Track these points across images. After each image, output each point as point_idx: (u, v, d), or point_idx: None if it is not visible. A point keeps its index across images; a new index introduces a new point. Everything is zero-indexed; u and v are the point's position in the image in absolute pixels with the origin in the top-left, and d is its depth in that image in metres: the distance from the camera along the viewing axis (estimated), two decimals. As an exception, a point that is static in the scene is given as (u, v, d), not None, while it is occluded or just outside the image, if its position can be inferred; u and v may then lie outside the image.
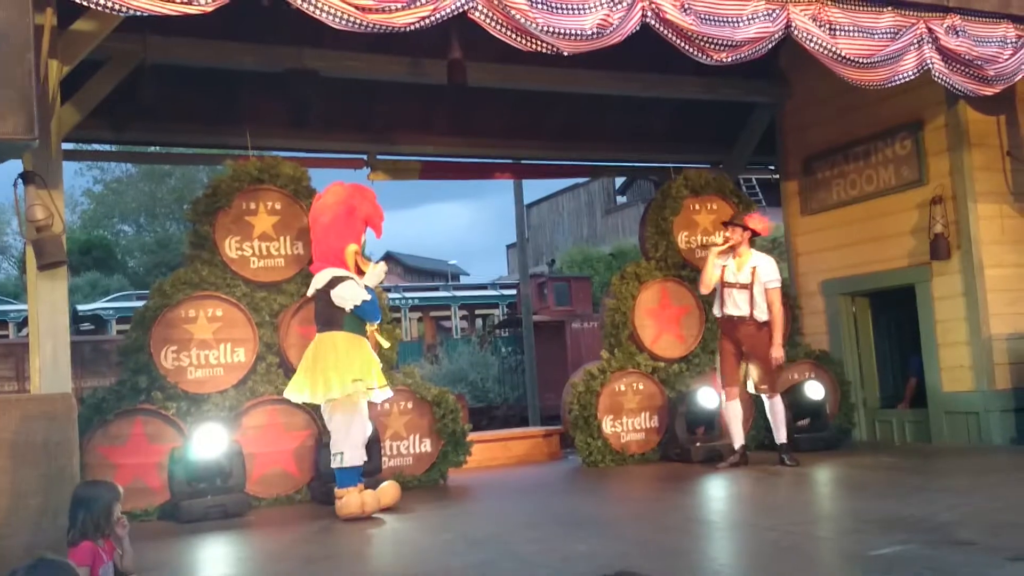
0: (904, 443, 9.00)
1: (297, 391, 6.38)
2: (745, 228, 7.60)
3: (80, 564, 3.65)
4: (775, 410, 7.59)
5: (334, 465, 6.29)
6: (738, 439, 7.61)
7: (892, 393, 9.54)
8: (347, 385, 6.20)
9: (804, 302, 9.77)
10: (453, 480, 7.86)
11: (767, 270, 7.56)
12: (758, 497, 6.50)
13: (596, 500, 6.90)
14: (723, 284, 7.63)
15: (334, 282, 6.35)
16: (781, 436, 7.59)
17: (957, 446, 8.22)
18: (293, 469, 7.21)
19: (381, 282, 6.74)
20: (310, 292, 6.59)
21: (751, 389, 7.72)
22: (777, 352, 7.45)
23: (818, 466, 7.53)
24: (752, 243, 7.72)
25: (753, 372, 7.59)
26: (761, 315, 7.50)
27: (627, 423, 8.58)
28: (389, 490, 6.47)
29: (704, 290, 7.80)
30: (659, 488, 7.24)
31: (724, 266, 7.64)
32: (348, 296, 6.33)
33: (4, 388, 15.37)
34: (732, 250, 7.64)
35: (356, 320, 6.39)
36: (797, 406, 8.43)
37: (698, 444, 8.15)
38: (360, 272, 6.50)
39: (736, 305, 7.56)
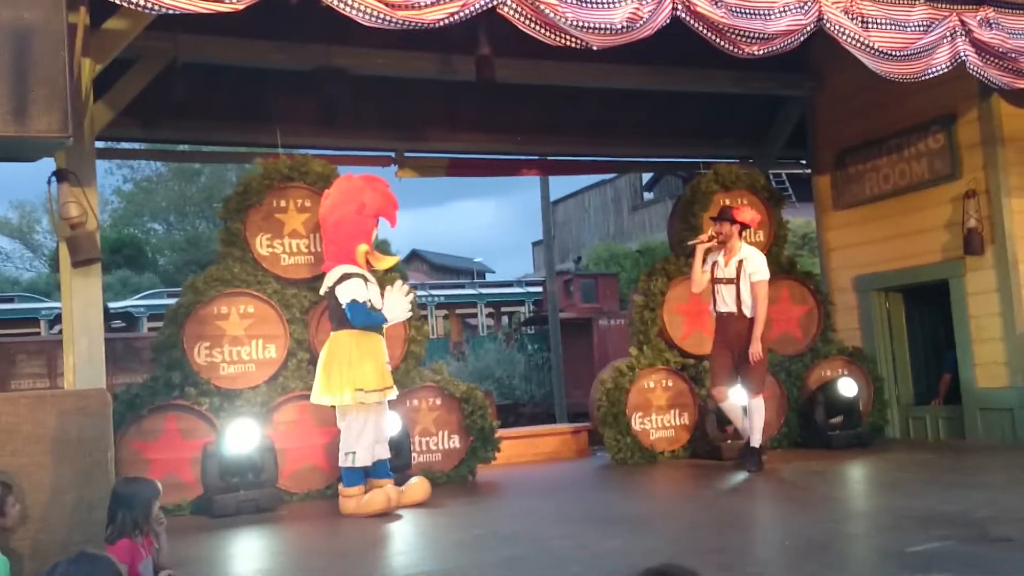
0: (938, 440, 8.90)
1: (319, 395, 6.42)
2: (734, 221, 7.37)
3: (119, 562, 3.67)
4: (754, 412, 7.27)
5: (345, 464, 6.35)
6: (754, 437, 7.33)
7: (926, 390, 9.44)
8: (356, 394, 6.24)
9: (837, 298, 9.68)
10: (481, 476, 7.86)
11: (754, 263, 7.32)
12: (791, 495, 6.45)
13: (626, 497, 6.88)
14: (714, 280, 7.41)
15: (342, 279, 6.37)
16: (756, 439, 7.27)
17: (991, 443, 8.12)
18: (324, 464, 7.23)
19: (411, 306, 6.72)
20: (322, 290, 6.61)
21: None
22: (755, 347, 7.14)
23: (852, 463, 7.47)
24: (741, 236, 7.49)
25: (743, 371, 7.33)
26: (748, 311, 7.25)
27: (656, 420, 8.54)
28: (418, 487, 6.49)
29: (696, 289, 7.54)
30: (689, 485, 7.20)
31: (715, 262, 7.41)
32: (344, 293, 6.33)
33: (36, 385, 15.54)
34: (722, 245, 7.41)
35: (375, 315, 6.42)
36: (830, 403, 8.38)
37: (729, 441, 8.09)
38: (370, 268, 6.55)
39: (724, 301, 7.35)
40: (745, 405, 7.38)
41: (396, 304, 6.57)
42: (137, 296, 24.75)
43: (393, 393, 6.55)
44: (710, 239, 7.49)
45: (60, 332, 6.89)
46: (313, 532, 5.99)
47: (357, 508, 6.23)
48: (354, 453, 6.31)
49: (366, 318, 6.35)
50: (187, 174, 34.54)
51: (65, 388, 5.73)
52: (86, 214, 5.47)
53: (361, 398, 6.26)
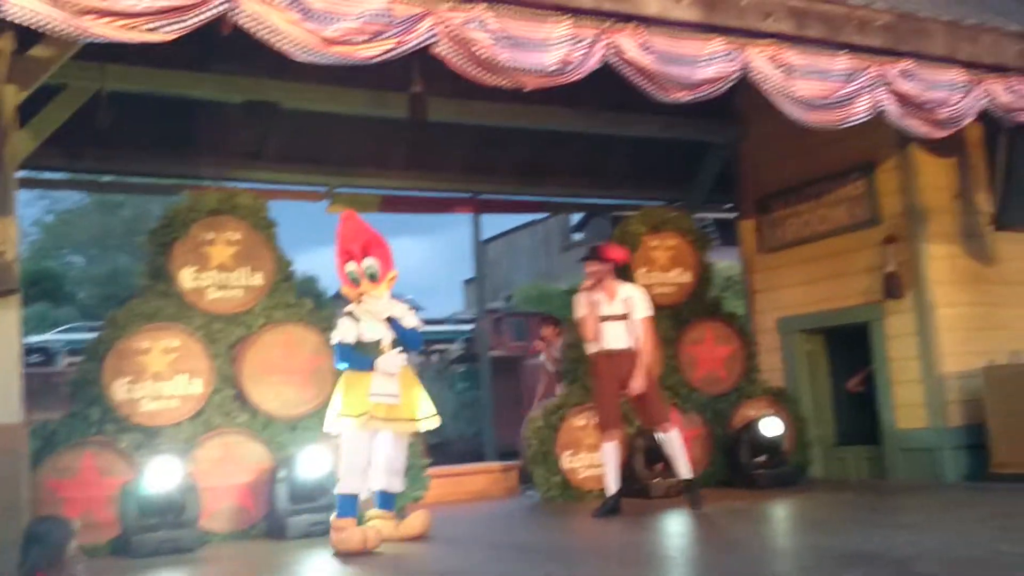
0: (859, 480, 9.08)
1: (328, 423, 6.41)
2: (604, 260, 7.38)
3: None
4: (673, 445, 7.25)
5: (335, 491, 6.29)
6: (613, 485, 7.26)
7: (847, 430, 9.62)
8: (339, 419, 6.22)
9: (761, 339, 9.84)
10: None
11: (639, 301, 7.33)
12: (717, 533, 6.50)
13: (556, 535, 6.85)
14: (599, 319, 7.30)
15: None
16: (685, 471, 7.24)
17: (911, 483, 8.30)
18: (248, 503, 7.07)
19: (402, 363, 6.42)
20: None
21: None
22: (638, 380, 7.12)
23: (776, 502, 7.56)
24: (618, 274, 7.50)
25: (641, 408, 7.36)
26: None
27: (586, 459, 8.54)
28: (416, 520, 6.48)
29: (592, 337, 7.33)
30: (618, 524, 7.19)
31: (594, 302, 7.32)
32: (332, 336, 6.40)
33: (-54, 421, 14.96)
34: (597, 285, 7.35)
35: (360, 356, 6.30)
36: (754, 442, 8.48)
37: (657, 480, 8.13)
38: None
39: (616, 338, 7.25)
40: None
41: (386, 362, 6.31)
42: (55, 330, 24.07)
43: (402, 426, 6.40)
44: (591, 278, 7.38)
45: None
46: (234, 574, 5.83)
47: (336, 543, 6.03)
48: (339, 480, 6.26)
49: (346, 359, 6.31)
50: (109, 206, 33.81)
51: (-23, 424, 5.52)
52: (5, 244, 5.33)
53: (340, 422, 6.21)
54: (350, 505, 6.19)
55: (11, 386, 5.41)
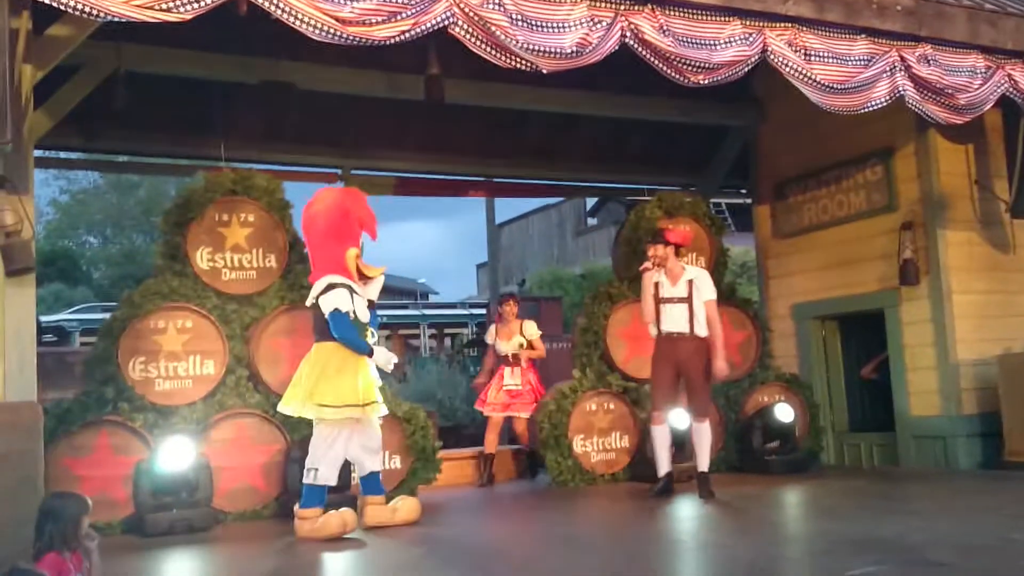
0: (872, 466, 9.07)
1: (287, 404, 6.10)
2: (668, 243, 7.30)
3: (46, 576, 3.58)
4: (702, 437, 7.21)
5: (306, 481, 6.04)
6: (665, 466, 7.26)
7: (860, 416, 9.61)
8: (316, 408, 5.96)
9: (775, 325, 9.82)
10: (422, 497, 7.74)
11: (705, 284, 7.26)
12: (729, 518, 6.49)
13: (567, 519, 6.86)
14: (658, 301, 7.24)
15: (327, 289, 6.05)
16: (704, 464, 7.19)
17: (925, 470, 8.28)
18: (261, 483, 7.11)
19: (394, 362, 6.37)
20: (308, 301, 6.23)
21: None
22: (720, 363, 7.09)
23: (788, 488, 7.55)
24: (678, 255, 7.41)
25: (689, 391, 7.27)
26: (702, 331, 7.16)
27: (597, 443, 8.56)
28: (410, 506, 6.37)
29: (649, 319, 7.32)
30: (630, 508, 7.21)
31: (657, 283, 7.26)
32: (327, 303, 6.02)
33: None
34: (660, 267, 7.27)
35: (358, 336, 6.09)
36: (767, 428, 8.48)
37: (668, 464, 8.13)
38: (363, 276, 6.20)
39: (675, 321, 7.18)
40: (687, 429, 7.35)
41: (385, 355, 6.27)
42: (70, 310, 24.21)
43: (376, 410, 6.16)
44: (652, 260, 7.33)
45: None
46: (246, 553, 5.86)
47: (311, 531, 5.89)
48: (316, 470, 6.01)
49: (349, 331, 6.01)
50: (124, 186, 33.92)
51: (-7, 401, 5.56)
52: (22, 222, 5.35)
53: (320, 413, 5.97)
54: (319, 495, 6.00)
55: (26, 365, 5.44)
